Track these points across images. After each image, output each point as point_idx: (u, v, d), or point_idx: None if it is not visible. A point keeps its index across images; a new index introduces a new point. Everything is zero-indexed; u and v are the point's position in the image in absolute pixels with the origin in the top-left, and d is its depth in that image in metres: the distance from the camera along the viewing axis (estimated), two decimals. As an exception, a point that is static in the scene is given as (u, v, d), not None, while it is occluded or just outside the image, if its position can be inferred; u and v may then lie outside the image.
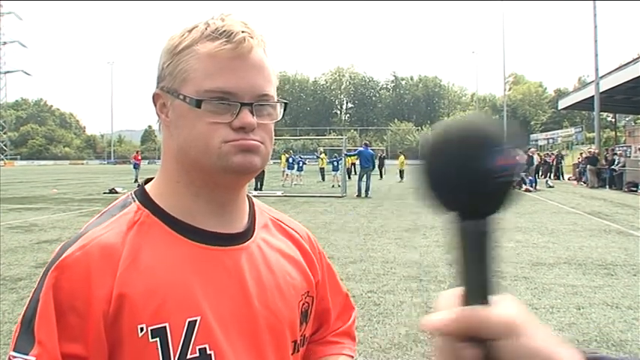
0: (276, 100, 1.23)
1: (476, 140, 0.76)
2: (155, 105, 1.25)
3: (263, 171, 27.64)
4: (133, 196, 1.27)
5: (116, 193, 28.74)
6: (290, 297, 1.32)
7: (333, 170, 37.64)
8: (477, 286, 0.78)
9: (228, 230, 1.26)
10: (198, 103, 1.15)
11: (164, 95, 1.22)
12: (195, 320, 1.14)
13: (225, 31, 1.17)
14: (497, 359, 0.69)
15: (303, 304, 1.37)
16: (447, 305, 0.73)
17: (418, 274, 9.41)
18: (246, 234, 1.30)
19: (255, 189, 28.49)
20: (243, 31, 1.17)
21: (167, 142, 1.24)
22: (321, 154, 45.13)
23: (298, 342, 1.35)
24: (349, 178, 36.31)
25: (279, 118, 1.25)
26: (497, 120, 0.78)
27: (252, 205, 1.38)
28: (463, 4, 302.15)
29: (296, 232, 1.47)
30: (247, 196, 1.37)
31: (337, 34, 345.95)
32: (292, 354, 1.33)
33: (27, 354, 1.04)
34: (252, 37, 1.18)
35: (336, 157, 39.17)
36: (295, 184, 35.84)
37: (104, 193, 29.29)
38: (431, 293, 8.15)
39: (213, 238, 1.22)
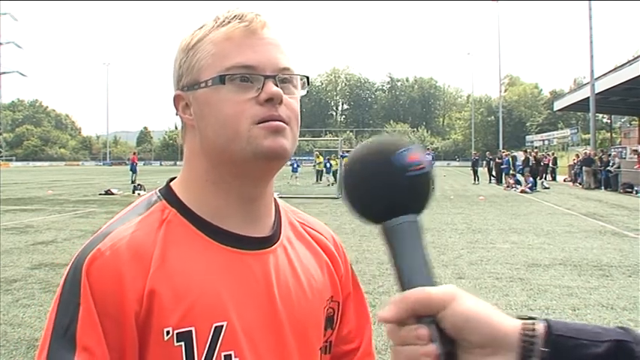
0: (296, 73, 1.22)
1: (384, 147, 0.93)
2: (177, 108, 1.23)
3: None
4: (159, 194, 1.24)
5: (112, 194, 28.76)
6: (315, 302, 1.29)
7: (327, 173, 39.94)
8: (414, 273, 0.89)
9: (255, 232, 1.23)
10: (222, 79, 1.13)
11: (185, 95, 1.20)
12: (222, 326, 1.11)
13: (235, 15, 1.18)
14: (443, 331, 0.81)
15: (328, 309, 1.34)
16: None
17: (414, 276, 9.40)
18: (273, 237, 1.26)
19: None
20: (252, 12, 1.18)
21: (192, 142, 1.22)
22: (318, 157, 45.01)
23: (323, 348, 1.33)
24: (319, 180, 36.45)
25: (304, 93, 1.24)
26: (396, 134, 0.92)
27: (277, 206, 1.34)
28: (458, 5, 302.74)
29: (321, 233, 1.43)
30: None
31: (333, 35, 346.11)
32: None
33: None
34: (261, 16, 1.19)
35: (328, 159, 41.69)
36: (291, 185, 36.06)
37: (100, 194, 29.25)
38: (426, 294, 8.15)
39: (241, 242, 1.20)
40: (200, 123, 1.18)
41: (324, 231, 1.46)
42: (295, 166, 39.64)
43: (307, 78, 1.25)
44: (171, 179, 1.29)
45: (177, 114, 1.25)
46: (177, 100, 1.23)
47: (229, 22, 1.17)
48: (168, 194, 1.23)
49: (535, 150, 44.73)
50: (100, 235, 1.13)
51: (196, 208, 1.20)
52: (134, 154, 45.58)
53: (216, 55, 1.16)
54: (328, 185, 37.62)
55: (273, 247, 1.25)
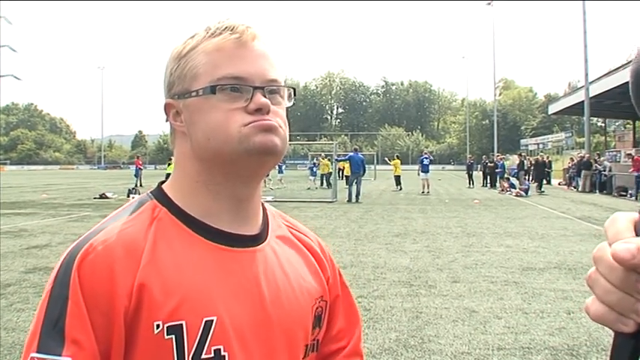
0: (284, 85, 1.26)
1: None
2: (168, 115, 1.26)
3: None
4: (150, 194, 1.27)
5: (106, 198, 28.70)
6: (303, 300, 1.31)
7: (312, 175, 40.67)
8: None
9: (244, 231, 1.26)
10: (212, 89, 1.17)
11: (176, 103, 1.23)
12: (212, 320, 1.13)
13: (227, 26, 1.21)
14: None
15: (317, 308, 1.36)
16: (626, 232, 0.67)
17: (408, 279, 9.42)
18: (261, 236, 1.30)
19: None
20: (243, 24, 1.22)
21: (182, 147, 1.25)
22: (324, 159, 44.56)
23: (310, 346, 1.35)
24: (328, 184, 36.26)
25: (290, 104, 1.28)
26: None
27: (264, 209, 1.38)
28: (453, 9, 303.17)
29: (307, 236, 1.48)
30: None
31: (327, 39, 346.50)
32: (303, 358, 1.32)
33: (59, 355, 1.01)
34: (252, 28, 1.22)
35: (314, 163, 43.31)
36: (278, 188, 36.08)
37: (94, 198, 29.17)
38: (421, 298, 8.16)
39: (230, 240, 1.22)
40: (191, 129, 1.22)
41: (310, 234, 1.50)
42: (282, 167, 39.74)
43: (294, 90, 1.30)
44: (162, 182, 1.32)
45: (167, 120, 1.28)
46: (168, 107, 1.26)
47: (221, 34, 1.21)
48: (159, 194, 1.26)
49: (540, 154, 44.75)
50: (93, 232, 1.15)
51: (186, 207, 1.23)
52: (137, 157, 46.01)
53: (207, 65, 1.19)
54: (308, 189, 37.72)
55: (260, 245, 1.28)
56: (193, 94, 1.19)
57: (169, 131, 1.29)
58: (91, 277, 1.07)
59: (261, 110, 1.17)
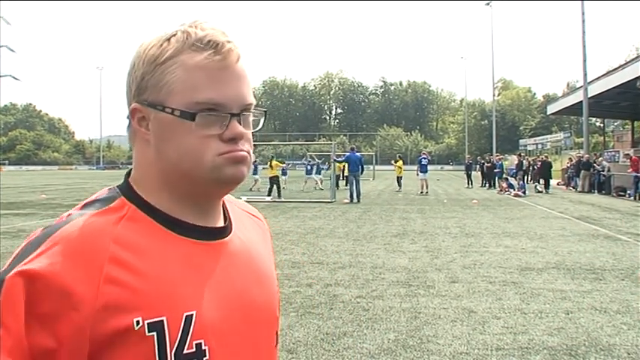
0: (258, 110, 1.26)
1: None
2: (133, 118, 1.22)
3: (277, 176, 30.01)
4: (117, 190, 1.24)
5: (105, 198, 28.65)
6: (270, 288, 1.34)
7: (316, 174, 40.53)
8: None
9: (211, 224, 1.26)
10: (192, 116, 1.14)
11: (145, 109, 1.20)
12: (192, 315, 1.12)
13: (210, 41, 1.17)
14: None
15: (277, 293, 1.40)
16: None
17: (407, 280, 9.42)
18: (227, 228, 1.31)
19: (269, 195, 29.27)
20: (228, 41, 1.18)
21: (145, 152, 1.23)
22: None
23: (277, 334, 1.37)
24: (337, 186, 36.11)
25: (260, 127, 1.28)
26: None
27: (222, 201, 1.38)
28: (452, 9, 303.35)
29: (255, 216, 1.52)
30: None
31: (326, 39, 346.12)
32: (275, 345, 1.34)
33: None
34: (235, 47, 1.20)
35: (309, 162, 43.06)
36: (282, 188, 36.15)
37: (93, 198, 29.12)
38: (419, 299, 8.15)
39: (200, 233, 1.23)
40: (160, 144, 1.19)
41: (255, 212, 1.55)
42: (285, 169, 39.79)
43: (265, 112, 1.30)
44: (128, 174, 1.29)
45: (128, 118, 1.25)
46: (134, 111, 1.22)
47: (204, 50, 1.16)
48: (128, 190, 1.24)
49: (544, 155, 44.59)
50: (56, 225, 1.16)
51: (155, 203, 1.22)
52: None
53: (186, 84, 1.16)
54: (315, 188, 37.87)
55: (229, 236, 1.29)
56: (168, 110, 1.16)
57: (130, 130, 1.26)
58: (41, 299, 1.02)
59: (235, 140, 1.18)
